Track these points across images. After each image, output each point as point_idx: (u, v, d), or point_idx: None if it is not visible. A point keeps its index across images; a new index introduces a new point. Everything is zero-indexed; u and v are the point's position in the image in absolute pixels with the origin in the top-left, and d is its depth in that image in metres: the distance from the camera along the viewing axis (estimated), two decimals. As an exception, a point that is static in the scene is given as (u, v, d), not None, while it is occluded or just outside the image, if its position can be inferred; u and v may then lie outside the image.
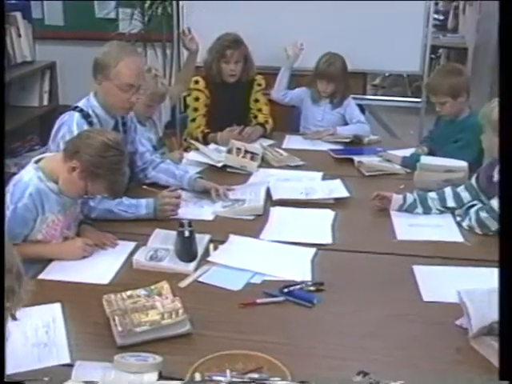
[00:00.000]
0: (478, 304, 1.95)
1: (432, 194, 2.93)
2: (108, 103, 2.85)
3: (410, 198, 2.93)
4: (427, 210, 2.90)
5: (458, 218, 2.82)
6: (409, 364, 1.86)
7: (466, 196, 2.87)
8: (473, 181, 2.90)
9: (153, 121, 3.59)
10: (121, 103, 2.84)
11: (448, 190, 2.93)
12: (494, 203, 2.67)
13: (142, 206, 2.79)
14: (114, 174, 2.38)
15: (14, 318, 1.50)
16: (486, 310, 1.92)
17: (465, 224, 2.76)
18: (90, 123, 2.78)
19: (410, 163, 3.43)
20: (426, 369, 1.84)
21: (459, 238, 2.68)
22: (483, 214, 2.69)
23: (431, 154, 3.52)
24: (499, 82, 1.71)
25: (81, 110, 2.80)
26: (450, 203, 2.89)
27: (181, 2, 4.78)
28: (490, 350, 1.86)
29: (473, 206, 2.78)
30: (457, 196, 2.89)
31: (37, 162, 2.46)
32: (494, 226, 2.67)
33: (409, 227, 2.78)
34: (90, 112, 2.82)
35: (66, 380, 1.66)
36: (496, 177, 2.74)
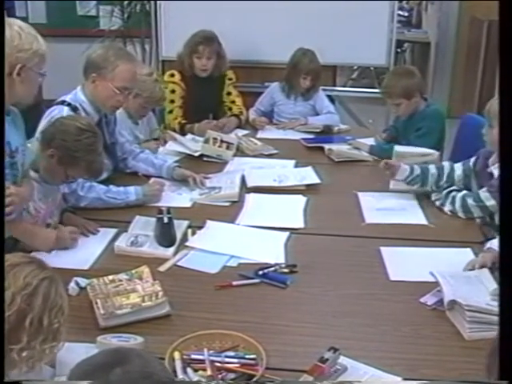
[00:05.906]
0: (448, 281, 2.04)
1: (432, 169, 2.85)
2: (100, 101, 2.84)
3: (416, 170, 2.84)
4: (424, 186, 2.85)
5: (437, 203, 2.77)
6: (377, 339, 1.87)
7: (459, 175, 2.81)
8: (471, 163, 2.82)
9: (150, 115, 3.67)
10: (113, 102, 2.86)
11: (446, 164, 2.87)
12: (482, 193, 2.62)
13: (132, 192, 2.77)
14: (90, 154, 2.38)
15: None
16: (454, 287, 2.01)
17: (447, 209, 2.72)
18: None
19: (377, 151, 3.43)
20: (394, 344, 1.85)
21: (423, 221, 2.69)
22: (471, 202, 2.64)
23: (395, 142, 3.51)
24: (499, 82, 1.70)
25: (69, 104, 2.77)
26: (443, 182, 2.82)
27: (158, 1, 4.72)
28: (459, 319, 1.91)
29: (451, 191, 2.74)
30: (452, 172, 2.81)
31: None
32: (477, 213, 2.65)
33: (376, 211, 2.78)
34: (78, 106, 2.79)
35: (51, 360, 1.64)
36: (490, 168, 2.65)
